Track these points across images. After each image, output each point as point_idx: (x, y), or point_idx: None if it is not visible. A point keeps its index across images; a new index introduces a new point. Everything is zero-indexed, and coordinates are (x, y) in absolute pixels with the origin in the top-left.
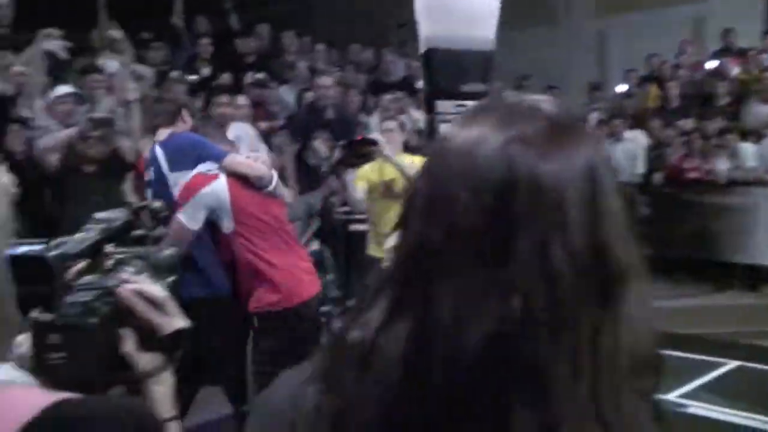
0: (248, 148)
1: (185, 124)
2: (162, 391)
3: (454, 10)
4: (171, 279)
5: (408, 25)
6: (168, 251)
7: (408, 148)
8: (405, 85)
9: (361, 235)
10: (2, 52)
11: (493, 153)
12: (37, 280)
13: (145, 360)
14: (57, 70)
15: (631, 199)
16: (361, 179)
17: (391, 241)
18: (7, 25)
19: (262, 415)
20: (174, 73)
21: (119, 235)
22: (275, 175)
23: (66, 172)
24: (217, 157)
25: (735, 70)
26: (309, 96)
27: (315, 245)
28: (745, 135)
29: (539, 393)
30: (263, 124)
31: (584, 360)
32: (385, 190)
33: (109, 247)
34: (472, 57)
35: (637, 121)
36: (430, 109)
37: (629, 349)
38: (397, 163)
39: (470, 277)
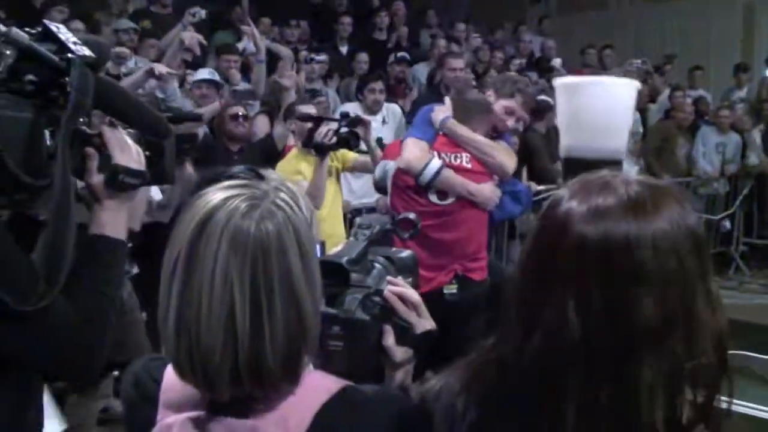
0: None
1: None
2: (406, 380)
3: (588, 126)
4: (410, 279)
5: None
6: (407, 253)
7: None
8: (537, 63)
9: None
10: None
11: (579, 218)
12: (335, 281)
13: (400, 353)
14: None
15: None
16: None
17: None
18: (169, 4)
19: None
20: (304, 53)
21: (378, 241)
22: None
23: (209, 149)
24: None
25: None
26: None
27: None
28: None
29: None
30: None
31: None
32: None
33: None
34: (604, 165)
35: None
36: None
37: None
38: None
39: (563, 296)
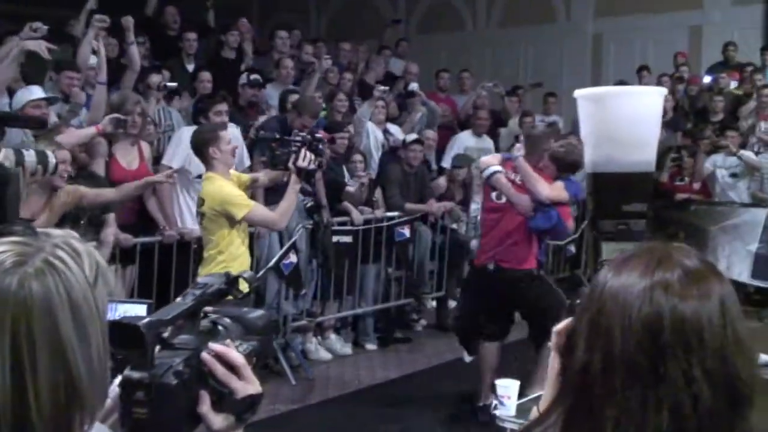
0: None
1: None
2: None
3: (617, 139)
4: (254, 342)
5: (402, 22)
6: (258, 313)
7: None
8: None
9: (346, 247)
10: None
11: (639, 295)
12: (130, 345)
13: (218, 420)
14: (29, 62)
15: None
16: None
17: None
18: None
19: None
20: (154, 78)
21: (214, 300)
22: None
23: None
24: None
25: (733, 84)
26: (293, 97)
27: (292, 257)
28: None
29: None
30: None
31: None
32: None
33: (207, 308)
34: (634, 179)
35: None
36: (595, 228)
37: None
38: None
39: (628, 396)
